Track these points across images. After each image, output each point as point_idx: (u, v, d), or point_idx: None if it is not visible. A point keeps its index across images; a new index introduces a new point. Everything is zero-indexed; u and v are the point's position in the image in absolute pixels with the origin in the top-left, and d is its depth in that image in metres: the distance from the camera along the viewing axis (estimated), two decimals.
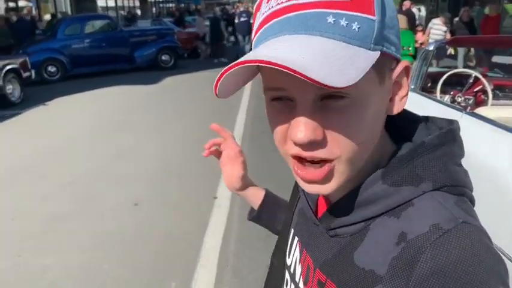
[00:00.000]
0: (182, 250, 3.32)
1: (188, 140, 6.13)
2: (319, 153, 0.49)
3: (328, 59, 0.44)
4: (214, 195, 4.27)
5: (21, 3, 21.59)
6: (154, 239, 3.50)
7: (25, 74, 9.12)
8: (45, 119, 7.75)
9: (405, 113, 0.59)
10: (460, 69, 5.01)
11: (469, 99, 3.59)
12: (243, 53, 15.02)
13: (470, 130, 2.47)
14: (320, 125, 0.48)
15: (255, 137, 6.23)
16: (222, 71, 0.48)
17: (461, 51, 9.02)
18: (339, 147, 0.49)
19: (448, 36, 8.98)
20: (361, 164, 0.52)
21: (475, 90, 3.93)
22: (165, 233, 3.59)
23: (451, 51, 10.20)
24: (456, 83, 4.11)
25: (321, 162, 0.50)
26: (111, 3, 28.47)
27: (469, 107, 3.22)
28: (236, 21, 14.72)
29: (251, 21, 14.26)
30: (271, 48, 0.47)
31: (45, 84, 11.09)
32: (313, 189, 0.52)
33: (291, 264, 0.69)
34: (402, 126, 0.58)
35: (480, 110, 3.34)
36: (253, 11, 0.56)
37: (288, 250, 0.71)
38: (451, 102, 3.57)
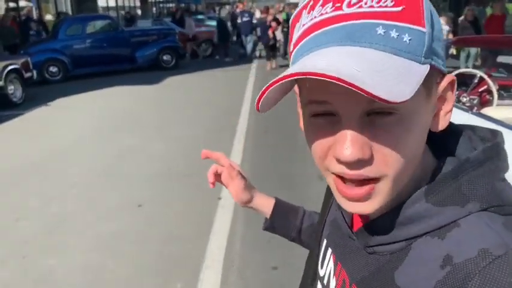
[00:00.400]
0: (187, 251, 3.31)
1: (191, 141, 6.13)
2: (365, 172, 0.47)
3: (381, 72, 0.42)
4: (218, 196, 4.26)
5: (21, 3, 21.57)
6: (158, 240, 3.49)
7: (27, 75, 9.12)
8: (48, 119, 7.74)
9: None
10: (465, 69, 5.00)
11: (473, 100, 3.58)
12: (245, 53, 15.07)
13: None
14: (367, 142, 0.46)
15: (258, 136, 6.23)
16: (269, 84, 0.45)
17: (463, 51, 9.02)
18: (386, 165, 0.47)
19: (451, 36, 8.97)
20: (405, 181, 0.50)
21: (479, 90, 3.92)
22: (169, 234, 3.59)
23: (452, 51, 10.19)
24: (461, 83, 4.11)
25: (365, 181, 0.48)
26: (112, 3, 28.44)
27: (474, 108, 3.21)
28: (239, 21, 14.75)
29: (253, 21, 14.28)
30: (318, 59, 0.44)
31: (46, 84, 11.10)
32: (356, 209, 0.50)
33: (324, 276, 0.67)
34: (443, 138, 0.56)
35: (486, 111, 3.34)
36: (291, 21, 0.54)
37: (320, 261, 0.70)
38: (456, 103, 3.56)
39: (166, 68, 13.08)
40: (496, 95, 3.76)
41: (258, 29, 14.09)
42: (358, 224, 0.59)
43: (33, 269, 3.18)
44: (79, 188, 4.59)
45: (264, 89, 0.46)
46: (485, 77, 3.85)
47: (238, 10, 17.17)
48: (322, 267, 0.69)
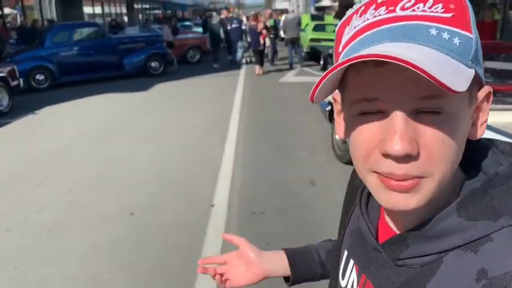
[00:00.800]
0: (182, 259, 3.31)
1: (182, 147, 6.13)
2: (412, 170, 0.48)
3: (440, 64, 0.44)
4: (211, 203, 4.27)
5: (6, 11, 21.38)
6: (152, 249, 3.49)
7: (13, 83, 9.02)
8: (36, 128, 7.67)
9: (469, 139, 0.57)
10: None
11: None
12: (234, 59, 15.11)
13: None
14: (415, 138, 0.47)
15: (248, 143, 6.25)
16: (325, 72, 0.46)
17: None
18: (432, 164, 0.48)
19: None
20: (445, 186, 0.51)
21: None
22: (163, 242, 3.58)
23: None
24: None
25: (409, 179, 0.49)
26: (98, 10, 28.33)
27: None
28: (228, 27, 14.88)
29: (242, 27, 14.39)
30: (380, 47, 0.46)
31: (33, 92, 10.99)
32: (398, 202, 0.49)
33: (346, 286, 0.68)
34: (469, 151, 0.56)
35: None
36: (338, 26, 0.55)
37: (341, 272, 0.70)
38: None
39: (155, 74, 13.06)
40: None
41: (248, 36, 14.24)
42: (383, 237, 0.60)
43: (26, 280, 3.15)
44: (70, 196, 4.56)
45: (323, 75, 0.46)
46: None
47: (224, 16, 17.26)
48: (343, 278, 0.69)
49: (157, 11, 43.25)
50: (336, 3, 30.87)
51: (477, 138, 0.54)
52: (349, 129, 0.53)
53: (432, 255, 0.52)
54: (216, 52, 15.10)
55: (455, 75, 0.43)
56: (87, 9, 26.69)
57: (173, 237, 3.65)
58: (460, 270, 0.49)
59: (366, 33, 0.50)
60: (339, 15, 23.14)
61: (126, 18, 33.77)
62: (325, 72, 0.46)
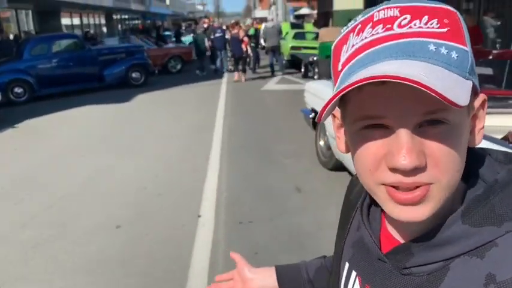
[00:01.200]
0: (170, 272, 3.28)
1: (166, 158, 6.08)
2: (421, 179, 0.49)
3: (442, 79, 0.45)
4: (198, 213, 4.24)
5: None
6: (139, 262, 3.44)
7: None
8: (17, 142, 7.52)
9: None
10: None
11: None
12: (216, 68, 15.21)
13: None
14: (422, 150, 0.48)
15: (233, 151, 6.25)
16: (339, 90, 0.47)
17: None
18: (439, 171, 0.49)
19: None
20: (453, 191, 0.52)
21: None
22: (150, 254, 3.54)
23: None
24: None
25: (417, 188, 0.50)
26: (77, 22, 28.05)
27: None
28: (212, 36, 15.00)
29: (226, 36, 14.53)
30: (381, 68, 0.47)
31: (12, 106, 10.79)
32: (408, 214, 0.51)
33: None
34: (466, 160, 0.57)
35: None
36: (334, 43, 0.56)
37: (343, 284, 0.70)
38: None
39: (136, 85, 12.98)
40: None
41: (230, 44, 14.39)
42: (386, 247, 0.60)
43: None
44: (53, 211, 4.47)
45: (330, 98, 0.48)
46: None
47: (206, 25, 17.36)
48: None
49: (136, 21, 43.05)
50: (315, 12, 31.23)
51: (476, 145, 0.55)
52: (353, 144, 0.54)
53: (438, 263, 0.53)
54: (201, 61, 15.16)
55: (457, 89, 0.45)
56: (65, 21, 26.38)
57: (160, 249, 3.61)
58: (468, 276, 0.50)
59: (365, 52, 0.51)
60: (318, 23, 23.42)
61: (105, 29, 33.51)
62: (333, 95, 0.48)
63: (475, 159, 0.58)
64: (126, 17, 41.18)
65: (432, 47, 0.48)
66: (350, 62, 0.52)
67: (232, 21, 16.59)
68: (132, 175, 5.44)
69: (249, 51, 14.44)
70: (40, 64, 11.61)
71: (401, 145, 0.48)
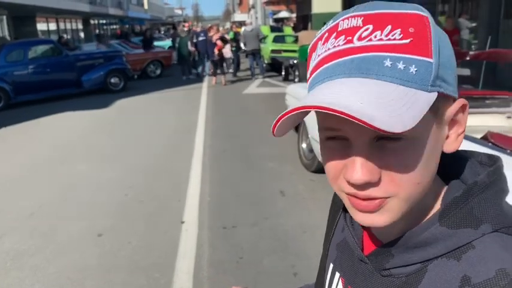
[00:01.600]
0: (153, 279, 3.23)
1: (148, 164, 6.01)
2: (375, 193, 0.50)
3: (385, 103, 0.45)
4: (181, 219, 4.20)
5: None
6: (122, 270, 3.38)
7: None
8: None
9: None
10: None
11: None
12: (197, 72, 15.22)
13: None
14: (377, 166, 0.49)
15: (215, 156, 6.22)
16: (282, 114, 0.49)
17: None
18: (396, 186, 0.49)
19: None
20: (417, 201, 0.52)
21: None
22: (133, 262, 3.48)
23: None
24: None
25: (375, 198, 0.51)
26: (53, 27, 27.61)
27: None
28: (194, 40, 15.00)
29: (207, 40, 14.59)
30: (328, 92, 0.47)
31: None
32: (369, 220, 0.52)
33: None
34: (449, 163, 0.59)
35: None
36: (308, 50, 0.57)
37: (327, 285, 0.71)
38: None
39: (115, 91, 12.83)
40: None
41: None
42: (368, 248, 0.61)
43: None
44: (33, 221, 4.36)
45: (278, 117, 0.49)
46: None
47: (186, 29, 17.36)
48: None
49: (114, 26, 42.62)
50: (294, 15, 31.42)
51: (453, 151, 0.54)
52: (321, 152, 0.56)
53: (417, 265, 0.53)
54: (184, 64, 15.10)
55: (402, 111, 0.44)
56: (41, 26, 25.94)
57: (143, 257, 3.55)
58: (444, 278, 0.50)
59: (325, 66, 0.51)
60: (297, 26, 23.57)
61: (82, 34, 33.06)
62: (281, 115, 0.49)
63: (458, 161, 0.58)
64: (104, 21, 40.71)
65: (388, 63, 0.47)
66: (314, 73, 0.53)
67: (209, 25, 16.63)
68: (113, 182, 5.36)
69: (230, 54, 14.45)
70: (16, 70, 11.37)
71: (355, 160, 0.49)
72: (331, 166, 0.53)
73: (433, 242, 0.52)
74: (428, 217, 0.53)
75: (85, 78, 12.49)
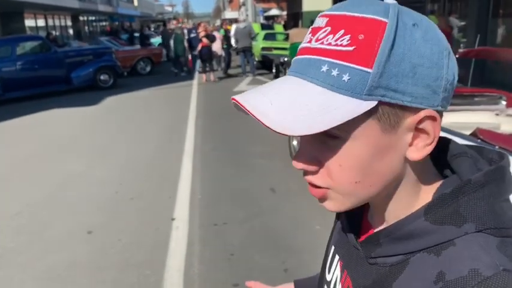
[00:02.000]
0: (144, 277, 3.22)
1: (138, 162, 5.98)
2: (314, 181, 0.55)
3: (297, 106, 0.49)
4: (171, 216, 4.19)
5: None
6: (112, 267, 3.36)
7: None
8: None
9: (452, 147, 0.60)
10: None
11: None
12: (188, 69, 15.21)
13: None
14: (315, 157, 0.54)
15: (206, 154, 6.20)
16: (232, 98, 0.53)
17: None
18: (331, 179, 0.53)
19: None
20: (365, 198, 0.55)
21: None
22: (123, 259, 3.47)
23: None
24: None
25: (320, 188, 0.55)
26: (41, 23, 27.31)
27: None
28: (187, 37, 15.05)
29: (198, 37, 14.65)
30: (263, 89, 0.53)
31: None
32: (321, 204, 0.57)
33: (331, 281, 0.71)
34: (448, 160, 0.60)
35: None
36: (298, 41, 0.60)
37: (328, 266, 0.74)
38: None
39: (104, 88, 12.74)
40: None
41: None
42: (365, 234, 0.64)
43: None
44: (20, 220, 4.32)
45: (232, 98, 0.53)
46: None
47: (174, 26, 17.35)
48: (329, 273, 0.73)
49: (104, 23, 42.27)
50: (284, 13, 31.44)
51: (414, 160, 0.53)
52: None
53: (400, 256, 0.55)
54: (178, 61, 15.06)
55: (317, 116, 0.48)
56: (29, 22, 25.64)
57: (134, 254, 3.54)
58: (422, 271, 0.51)
59: (294, 59, 0.56)
60: (288, 24, 23.58)
61: (71, 31, 32.73)
62: (233, 97, 0.53)
63: (460, 157, 0.58)
64: (93, 18, 40.36)
65: (324, 68, 0.50)
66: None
67: (199, 21, 16.69)
68: (103, 179, 5.33)
69: (219, 52, 14.45)
70: (3, 67, 11.24)
71: (299, 148, 0.55)
72: None
73: (417, 235, 0.53)
74: (416, 210, 0.54)
75: (74, 75, 12.39)
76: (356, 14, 0.50)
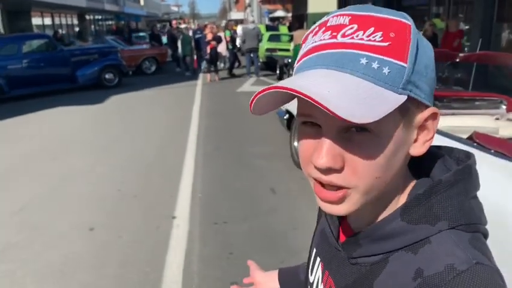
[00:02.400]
0: (144, 274, 3.26)
1: (140, 160, 6.03)
2: (336, 180, 0.53)
3: (352, 95, 0.48)
4: (172, 215, 4.23)
5: None
6: (113, 264, 3.41)
7: None
8: None
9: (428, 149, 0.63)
10: None
11: None
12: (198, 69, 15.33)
13: None
14: (341, 154, 0.53)
15: (208, 154, 6.24)
16: (258, 91, 0.52)
17: None
18: (356, 177, 0.53)
19: None
20: (376, 195, 0.56)
21: None
22: (124, 256, 3.51)
23: None
24: None
25: (338, 187, 0.54)
26: (48, 21, 27.46)
27: None
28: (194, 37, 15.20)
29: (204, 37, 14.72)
30: (303, 79, 0.51)
31: None
32: (328, 209, 0.56)
33: (313, 282, 0.73)
34: (424, 162, 0.63)
35: None
36: (301, 42, 0.61)
37: (310, 267, 0.76)
38: None
39: (109, 86, 12.81)
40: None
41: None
42: (344, 236, 0.66)
43: None
44: (22, 215, 4.38)
45: (255, 94, 0.53)
46: None
47: (183, 26, 17.45)
48: (311, 274, 0.75)
49: (110, 22, 42.44)
50: (289, 14, 31.46)
51: (418, 155, 0.57)
52: (298, 135, 0.59)
53: (380, 255, 0.57)
54: (184, 60, 15.14)
55: (367, 106, 0.48)
56: (36, 21, 25.80)
57: (135, 251, 3.58)
58: (401, 269, 0.54)
59: (309, 56, 0.55)
60: (293, 25, 23.60)
61: (77, 30, 32.88)
62: (256, 92, 0.52)
63: (432, 158, 0.62)
64: (100, 17, 40.52)
65: (364, 61, 0.51)
66: (300, 61, 0.57)
67: (205, 22, 16.80)
68: (106, 177, 5.38)
69: (224, 53, 14.55)
70: (9, 65, 11.32)
71: (322, 146, 0.53)
72: (303, 150, 0.56)
73: (394, 235, 0.56)
74: (393, 211, 0.57)
75: (80, 73, 12.46)
76: (381, 16, 0.52)
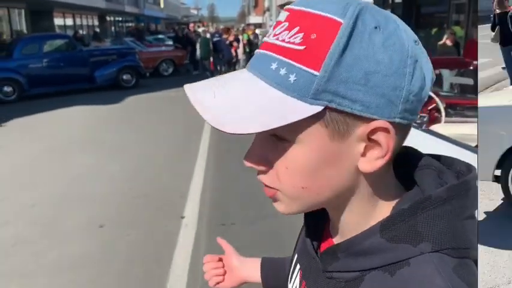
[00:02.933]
0: (151, 271, 3.31)
1: (153, 160, 6.11)
2: (264, 180, 0.53)
3: (241, 103, 0.48)
4: (181, 214, 4.28)
5: None
6: (122, 261, 3.46)
7: None
8: (2, 140, 7.50)
9: (417, 158, 0.56)
10: None
11: (423, 117, 3.80)
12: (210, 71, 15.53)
13: (426, 146, 2.63)
14: (265, 157, 0.52)
15: (220, 156, 6.29)
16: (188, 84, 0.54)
17: None
18: (279, 182, 0.52)
19: None
20: (312, 205, 0.54)
21: (429, 108, 4.16)
22: (132, 254, 3.57)
23: None
24: None
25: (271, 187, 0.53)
26: (69, 22, 27.95)
27: (424, 124, 3.42)
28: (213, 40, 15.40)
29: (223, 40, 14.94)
30: (211, 82, 0.53)
31: (0, 104, 10.74)
32: (274, 205, 0.55)
33: None
34: (416, 173, 0.56)
35: (434, 127, 3.56)
36: None
37: (290, 274, 0.71)
38: None
39: (127, 87, 12.98)
40: (443, 113, 4.01)
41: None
42: (325, 245, 0.60)
43: None
44: (35, 211, 4.47)
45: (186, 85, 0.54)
46: (434, 96, 4.10)
47: (202, 29, 17.66)
48: (290, 281, 0.70)
49: (130, 24, 43.01)
50: None
51: (368, 171, 0.50)
52: None
53: (356, 272, 0.52)
54: (203, 63, 15.30)
55: (257, 115, 0.47)
56: (58, 21, 26.27)
57: (143, 249, 3.64)
58: None
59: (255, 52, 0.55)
60: None
61: (98, 31, 33.38)
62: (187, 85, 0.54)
63: (424, 169, 0.55)
64: (120, 19, 41.09)
65: (274, 66, 0.47)
66: None
67: (221, 26, 17.07)
68: (118, 175, 5.46)
69: (240, 56, 14.69)
70: (30, 63, 11.57)
71: (251, 144, 0.54)
72: None
73: (372, 252, 0.50)
74: (373, 225, 0.51)
75: (98, 73, 12.66)
76: (313, 11, 0.47)
